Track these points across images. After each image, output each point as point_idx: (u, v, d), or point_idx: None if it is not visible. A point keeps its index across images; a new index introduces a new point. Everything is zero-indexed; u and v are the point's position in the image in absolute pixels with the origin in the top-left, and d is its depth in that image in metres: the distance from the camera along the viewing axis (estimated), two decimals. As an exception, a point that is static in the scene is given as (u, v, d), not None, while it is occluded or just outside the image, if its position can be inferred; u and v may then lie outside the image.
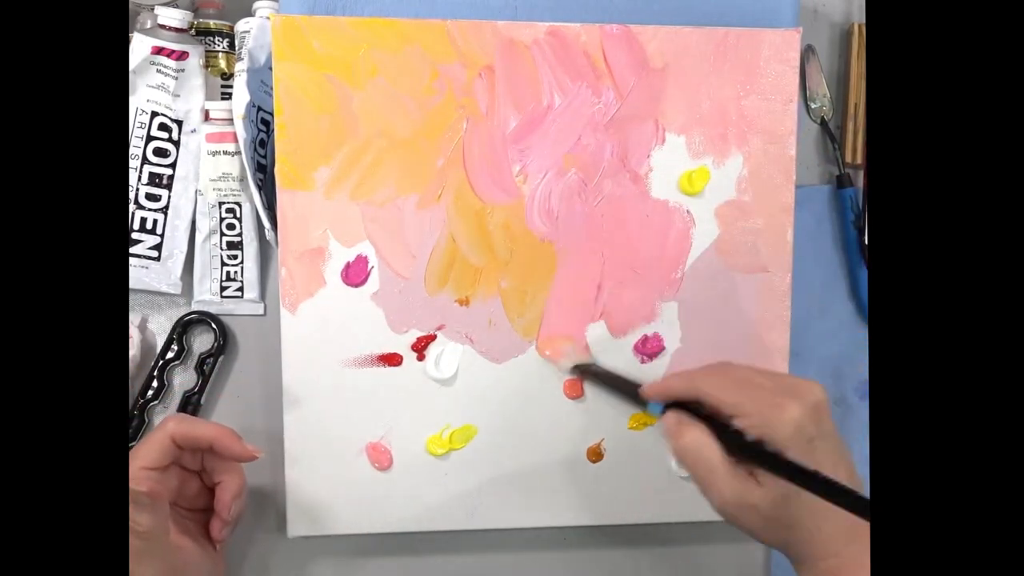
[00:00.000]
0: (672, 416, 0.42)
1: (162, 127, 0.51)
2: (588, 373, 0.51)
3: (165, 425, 0.45)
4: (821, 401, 0.40)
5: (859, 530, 0.39)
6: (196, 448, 0.46)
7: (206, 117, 0.51)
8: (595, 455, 0.54)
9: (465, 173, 0.51)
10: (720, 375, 0.41)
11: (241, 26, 0.51)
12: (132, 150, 0.51)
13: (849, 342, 0.58)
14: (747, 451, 0.39)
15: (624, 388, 0.47)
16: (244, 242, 0.52)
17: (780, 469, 0.38)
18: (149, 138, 0.51)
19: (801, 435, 0.38)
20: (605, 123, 0.52)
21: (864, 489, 0.40)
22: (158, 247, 0.52)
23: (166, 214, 0.52)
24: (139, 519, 0.39)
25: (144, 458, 0.45)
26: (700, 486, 0.41)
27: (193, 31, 0.51)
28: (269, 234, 0.52)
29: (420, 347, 0.52)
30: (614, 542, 0.57)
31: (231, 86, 0.51)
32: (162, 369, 0.52)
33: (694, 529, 0.57)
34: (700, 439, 0.40)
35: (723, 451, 0.39)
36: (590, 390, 0.53)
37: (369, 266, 0.51)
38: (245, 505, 0.49)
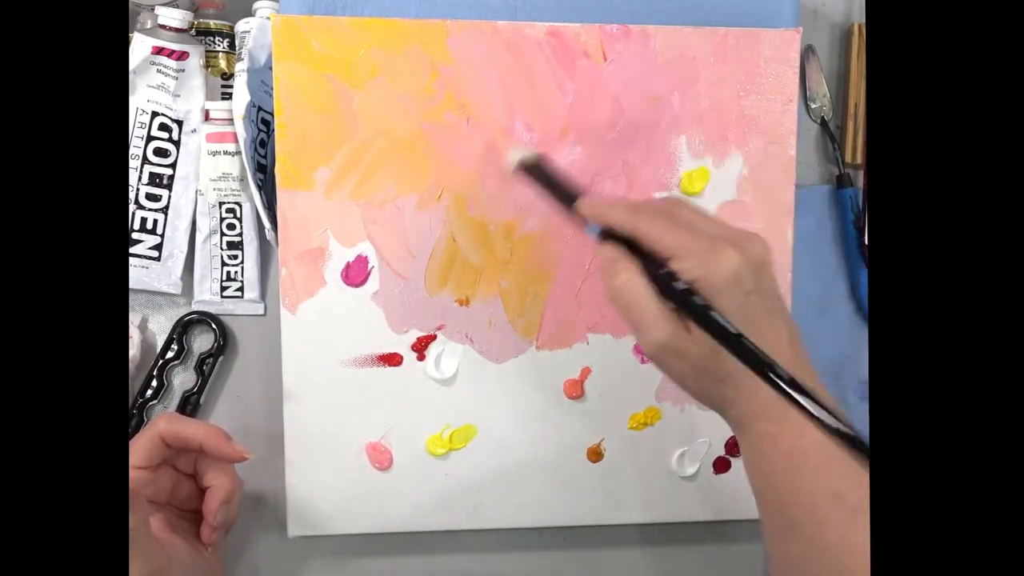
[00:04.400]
0: (609, 251, 0.39)
1: (162, 127, 0.51)
2: (532, 171, 0.45)
3: (155, 424, 0.45)
4: (763, 255, 0.37)
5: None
6: (186, 448, 0.46)
7: (206, 117, 0.51)
8: (595, 455, 0.54)
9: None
10: (662, 215, 0.39)
11: (241, 26, 0.51)
12: (132, 150, 0.51)
13: (849, 342, 0.58)
14: (677, 298, 0.37)
15: (563, 196, 0.42)
16: (244, 242, 0.52)
17: (705, 322, 0.36)
18: (149, 138, 0.51)
19: (738, 286, 0.36)
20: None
21: (808, 364, 0.37)
22: (158, 247, 0.52)
23: (166, 214, 0.52)
24: None
25: (133, 456, 0.44)
26: (632, 328, 0.38)
27: (193, 31, 0.51)
28: (269, 234, 0.52)
29: (420, 347, 0.52)
30: (614, 542, 0.57)
31: (231, 86, 0.51)
32: (162, 369, 0.52)
33: (694, 529, 0.57)
34: (633, 280, 0.37)
35: (657, 294, 0.37)
36: (590, 390, 0.53)
37: (369, 266, 0.51)
38: (238, 511, 0.49)
